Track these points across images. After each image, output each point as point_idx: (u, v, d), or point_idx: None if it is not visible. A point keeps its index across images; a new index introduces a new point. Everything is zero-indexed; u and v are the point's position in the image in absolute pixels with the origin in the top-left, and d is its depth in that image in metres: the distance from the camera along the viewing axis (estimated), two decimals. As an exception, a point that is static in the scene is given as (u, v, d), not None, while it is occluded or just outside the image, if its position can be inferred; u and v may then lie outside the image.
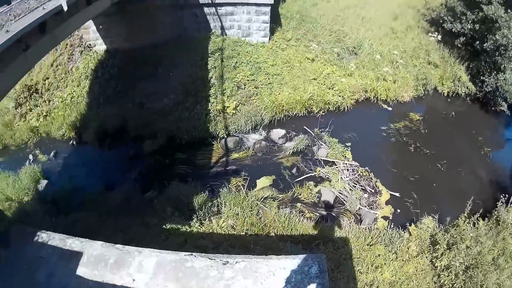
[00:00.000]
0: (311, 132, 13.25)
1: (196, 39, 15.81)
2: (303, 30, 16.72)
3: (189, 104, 13.81)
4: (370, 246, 9.28)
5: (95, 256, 6.43)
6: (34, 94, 16.19)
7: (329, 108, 14.17)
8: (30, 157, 14.97)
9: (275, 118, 13.72)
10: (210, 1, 15.34)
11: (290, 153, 12.59)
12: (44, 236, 7.07)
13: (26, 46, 8.21)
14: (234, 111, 13.48)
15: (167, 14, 15.83)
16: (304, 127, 13.50)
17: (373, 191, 11.36)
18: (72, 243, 6.80)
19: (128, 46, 16.25)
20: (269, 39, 15.88)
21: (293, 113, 13.94)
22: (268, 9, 15.38)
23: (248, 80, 14.23)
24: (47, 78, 16.42)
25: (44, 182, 13.47)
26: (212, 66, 14.73)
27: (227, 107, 13.54)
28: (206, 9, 15.67)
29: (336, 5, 19.27)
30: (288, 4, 18.18)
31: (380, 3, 20.55)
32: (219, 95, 13.84)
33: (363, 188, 11.40)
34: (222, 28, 15.88)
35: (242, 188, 11.26)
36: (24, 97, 16.12)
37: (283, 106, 13.76)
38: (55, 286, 6.16)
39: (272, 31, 16.08)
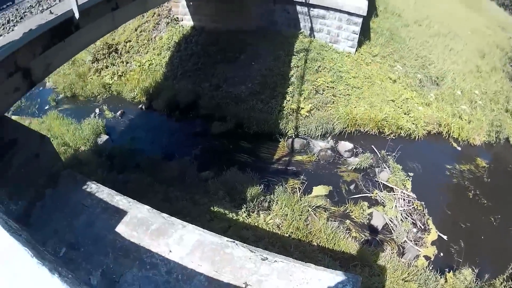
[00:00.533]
0: (378, 153, 13.01)
1: (283, 35, 15.80)
2: (390, 49, 16.37)
3: (265, 97, 13.86)
4: (405, 282, 9.09)
5: (138, 219, 6.45)
6: (113, 53, 16.68)
7: (400, 133, 13.83)
8: (97, 110, 15.47)
9: (345, 131, 13.55)
10: (304, 1, 15.14)
11: (353, 168, 12.41)
12: (93, 187, 7.16)
13: (115, 6, 8.46)
14: (307, 114, 13.44)
15: (259, 4, 15.86)
16: (372, 146, 13.27)
17: (422, 227, 11.04)
18: (119, 200, 6.87)
19: (215, 27, 16.45)
20: (356, 50, 15.63)
21: (364, 130, 13.72)
22: (360, 20, 15.09)
23: (327, 87, 14.10)
24: (129, 41, 16.86)
25: (104, 137, 13.82)
26: (295, 65, 14.68)
27: (302, 108, 13.50)
28: (298, 8, 15.55)
29: (427, 30, 18.76)
30: (380, 19, 17.84)
31: (470, 37, 19.91)
32: (296, 94, 13.81)
33: (414, 222, 11.11)
34: (311, 29, 15.74)
35: (298, 191, 11.23)
36: (103, 54, 16.63)
37: (356, 120, 13.60)
38: (91, 236, 6.24)
39: (360, 43, 15.82)
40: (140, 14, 16.20)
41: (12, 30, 6.35)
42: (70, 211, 6.65)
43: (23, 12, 6.89)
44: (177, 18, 17.13)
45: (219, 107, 13.92)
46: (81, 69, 16.87)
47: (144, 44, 16.67)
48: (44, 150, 7.35)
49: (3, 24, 6.52)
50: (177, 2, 16.58)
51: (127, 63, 16.26)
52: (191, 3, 16.39)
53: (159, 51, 16.40)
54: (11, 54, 6.10)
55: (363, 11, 14.73)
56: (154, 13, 17.35)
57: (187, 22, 17.03)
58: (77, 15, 6.76)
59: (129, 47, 16.61)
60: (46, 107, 16.65)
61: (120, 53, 16.55)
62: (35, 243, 4.53)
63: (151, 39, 16.80)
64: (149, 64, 15.94)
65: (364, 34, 16.34)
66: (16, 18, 6.73)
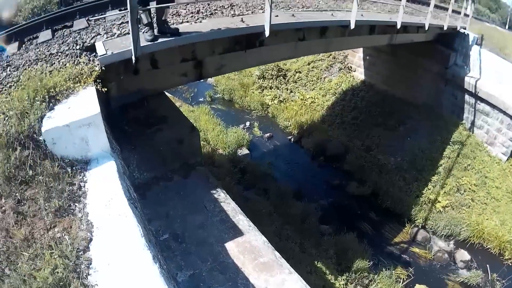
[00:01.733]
0: (489, 275, 12.22)
1: (445, 119, 15.80)
2: (539, 169, 15.87)
3: (409, 177, 14.03)
4: None
5: (251, 245, 6.40)
6: (280, 77, 18.05)
7: (517, 262, 13.31)
8: (247, 124, 16.63)
9: (469, 240, 13.10)
10: (473, 91, 15.14)
11: (460, 281, 11.92)
12: (221, 196, 7.20)
13: (302, 37, 8.95)
14: (441, 209, 13.41)
15: (431, 79, 16.04)
16: (487, 265, 12.50)
17: None
18: (241, 220, 6.79)
19: (383, 89, 16.94)
20: (507, 159, 15.41)
21: (486, 245, 13.08)
22: (518, 128, 14.86)
23: (469, 189, 13.96)
24: (299, 72, 18.03)
25: (245, 151, 14.87)
26: (447, 155, 14.67)
27: (439, 202, 13.53)
28: (466, 97, 15.51)
29: None
30: (538, 134, 17.21)
31: None
32: (438, 186, 13.86)
33: None
34: (473, 124, 15.68)
35: (401, 282, 11.31)
36: (271, 74, 18.06)
37: (484, 233, 13.10)
38: (198, 237, 6.29)
39: (512, 153, 15.57)
40: (318, 53, 17.26)
41: (200, 21, 6.86)
42: (190, 206, 6.79)
43: (214, 9, 7.50)
44: (351, 67, 17.85)
45: (363, 170, 14.38)
46: (246, 80, 18.27)
47: (312, 80, 17.72)
48: (189, 140, 7.64)
49: (192, 13, 7.17)
50: (355, 52, 17.36)
51: (291, 92, 17.45)
52: (367, 58, 17.09)
53: (325, 92, 17.27)
54: (193, 43, 6.61)
55: (525, 119, 14.52)
56: (330, 55, 18.22)
57: (359, 74, 17.66)
58: (267, 33, 6.98)
59: (297, 78, 17.78)
60: (200, 99, 18.32)
61: (288, 80, 17.77)
62: (146, 223, 4.88)
63: (321, 78, 17.79)
64: (311, 102, 16.93)
65: (519, 145, 15.99)
66: (206, 12, 7.25)
